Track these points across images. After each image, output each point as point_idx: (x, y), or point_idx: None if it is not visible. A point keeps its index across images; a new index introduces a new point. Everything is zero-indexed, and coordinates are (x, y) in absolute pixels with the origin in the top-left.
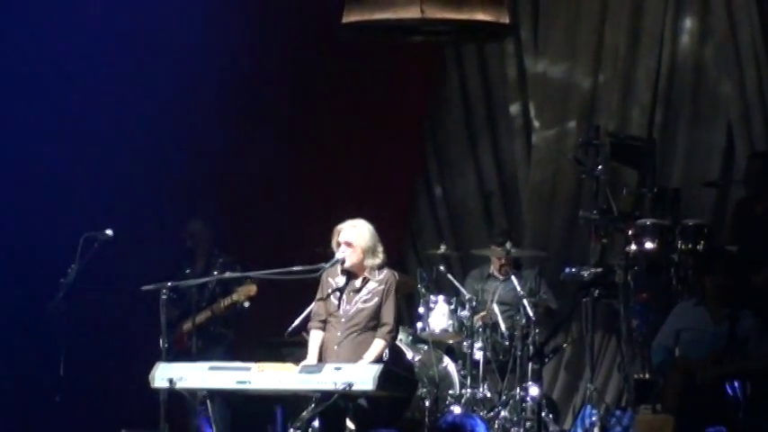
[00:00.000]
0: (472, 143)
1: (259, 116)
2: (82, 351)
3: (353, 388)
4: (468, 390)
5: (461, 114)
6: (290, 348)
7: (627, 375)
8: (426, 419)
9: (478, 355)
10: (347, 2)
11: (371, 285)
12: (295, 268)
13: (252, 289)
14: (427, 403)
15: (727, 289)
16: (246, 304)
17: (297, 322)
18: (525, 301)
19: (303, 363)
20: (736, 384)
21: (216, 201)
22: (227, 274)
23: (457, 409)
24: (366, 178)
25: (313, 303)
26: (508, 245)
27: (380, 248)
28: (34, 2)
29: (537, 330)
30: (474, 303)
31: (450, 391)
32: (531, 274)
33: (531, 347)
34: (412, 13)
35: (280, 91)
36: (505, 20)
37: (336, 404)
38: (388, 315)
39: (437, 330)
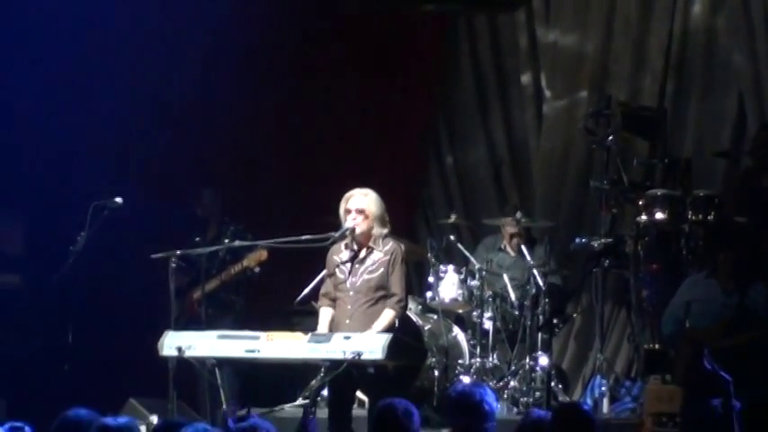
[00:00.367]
0: (483, 113)
1: (269, 83)
2: (90, 320)
3: (362, 357)
4: (478, 359)
5: (473, 84)
6: (299, 317)
7: (637, 346)
8: (435, 389)
9: (488, 324)
10: None
11: (376, 255)
12: (304, 237)
13: (262, 254)
14: (436, 373)
15: (739, 263)
16: (257, 270)
17: (306, 291)
18: (536, 272)
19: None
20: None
21: (226, 169)
22: (237, 243)
23: (466, 379)
24: (376, 147)
25: (321, 275)
26: (518, 214)
27: (387, 218)
28: None
29: (547, 300)
30: (484, 273)
31: (460, 361)
32: (542, 248)
33: (540, 317)
34: None
35: (290, 60)
36: None
37: (346, 373)
38: (396, 285)
39: (447, 300)
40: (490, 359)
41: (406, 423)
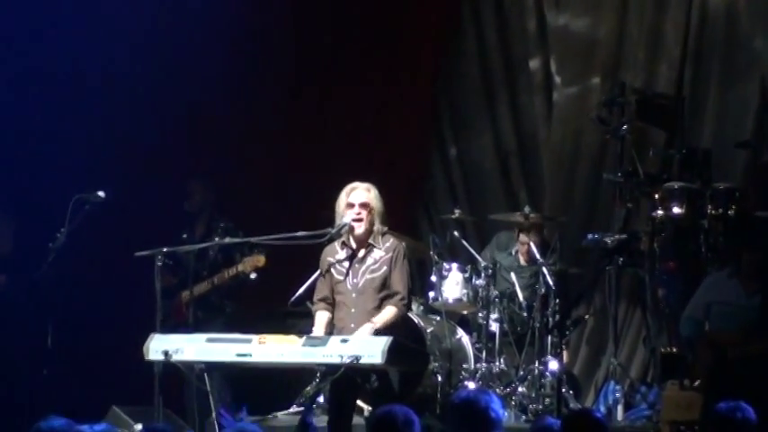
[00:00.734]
0: (489, 101)
1: (262, 69)
2: (71, 321)
3: (361, 361)
4: (484, 364)
5: (478, 70)
6: (294, 319)
7: (653, 349)
8: (439, 395)
9: (495, 326)
10: None
11: (377, 254)
12: (299, 233)
13: (260, 260)
14: (440, 378)
15: (764, 264)
16: (253, 276)
17: (301, 291)
18: (545, 269)
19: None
20: None
21: (216, 160)
22: (228, 240)
23: (471, 385)
24: (375, 137)
25: (315, 275)
26: (527, 208)
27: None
28: None
29: (557, 301)
30: (490, 272)
31: (465, 366)
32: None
33: (550, 319)
34: None
35: (284, 44)
36: None
37: (346, 378)
38: (399, 283)
39: (450, 300)
40: (497, 364)
41: None
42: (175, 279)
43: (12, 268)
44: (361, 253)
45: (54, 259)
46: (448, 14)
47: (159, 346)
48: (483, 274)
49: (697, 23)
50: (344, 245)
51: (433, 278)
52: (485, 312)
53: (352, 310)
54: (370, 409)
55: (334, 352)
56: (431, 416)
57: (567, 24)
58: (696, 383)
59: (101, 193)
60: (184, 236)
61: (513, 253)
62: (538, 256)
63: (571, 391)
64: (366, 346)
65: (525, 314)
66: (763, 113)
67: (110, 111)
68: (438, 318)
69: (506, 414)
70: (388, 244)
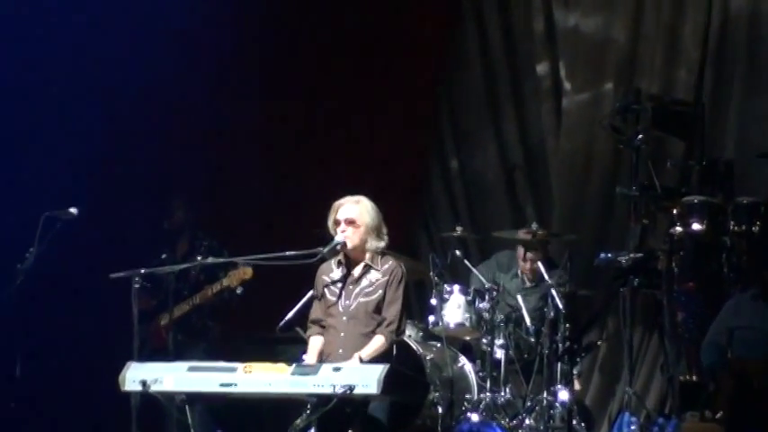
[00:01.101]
0: (493, 108)
1: (246, 77)
2: (42, 348)
3: (355, 392)
4: (488, 394)
5: (481, 75)
6: (282, 345)
7: (671, 378)
8: (439, 428)
9: (500, 353)
10: None
11: (374, 276)
12: (288, 253)
13: (247, 272)
14: (440, 409)
15: None
16: (239, 290)
17: (290, 315)
18: (554, 291)
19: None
20: None
21: (198, 174)
22: (211, 260)
23: (474, 417)
24: (369, 148)
25: (307, 296)
26: (534, 225)
27: (385, 230)
28: None
29: (567, 325)
30: (494, 294)
31: (467, 396)
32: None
33: (560, 345)
34: None
35: (271, 49)
36: None
37: (337, 410)
38: (390, 309)
39: (452, 325)
40: (502, 394)
41: None
42: (154, 302)
43: None
44: (357, 273)
45: (22, 282)
46: (448, 13)
47: (136, 376)
48: (487, 297)
49: (718, 24)
50: (340, 263)
51: (433, 301)
52: (489, 338)
53: (341, 334)
54: None
55: (326, 381)
56: None
57: (578, 25)
58: (718, 415)
59: (73, 210)
60: (164, 256)
61: (519, 274)
62: (546, 276)
63: (583, 424)
64: (360, 374)
65: (533, 340)
66: None
67: (82, 122)
68: (438, 344)
69: None
70: (386, 266)
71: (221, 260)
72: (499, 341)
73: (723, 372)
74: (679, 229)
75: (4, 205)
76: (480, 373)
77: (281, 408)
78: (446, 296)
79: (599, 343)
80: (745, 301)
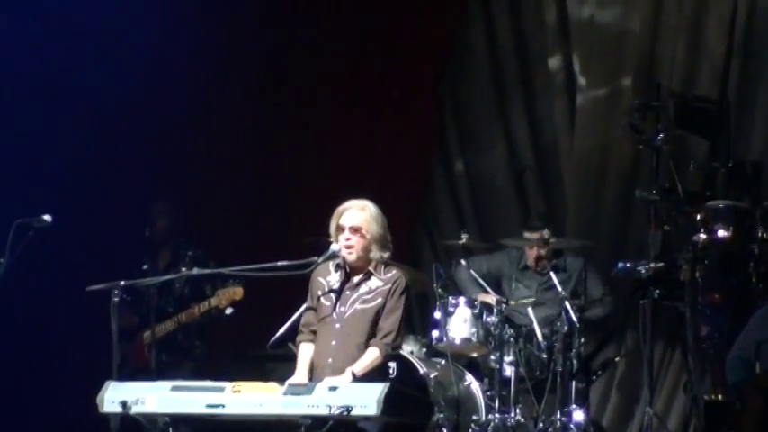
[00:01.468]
0: (501, 106)
1: (236, 77)
2: (13, 366)
3: (353, 413)
4: (497, 415)
5: (488, 71)
6: (273, 363)
7: (695, 396)
8: None
9: (509, 370)
10: None
11: (374, 283)
12: (280, 263)
13: (237, 292)
14: (445, 431)
15: None
16: (229, 311)
17: (282, 331)
18: (567, 304)
19: (290, 381)
20: None
21: (182, 178)
22: (196, 271)
23: None
24: (368, 150)
25: (301, 308)
26: (546, 233)
27: (389, 238)
28: None
29: (582, 340)
30: (503, 306)
31: (474, 417)
32: (577, 266)
33: (574, 362)
34: None
35: (263, 47)
36: None
37: None
38: (390, 320)
39: (457, 340)
40: (512, 414)
41: None
42: (135, 317)
43: None
44: (356, 279)
45: None
46: (453, 6)
47: (116, 396)
48: (495, 310)
49: (745, 15)
50: (339, 267)
51: (437, 315)
52: (498, 354)
53: (333, 343)
54: None
55: (321, 402)
56: None
57: (593, 16)
58: None
59: (47, 217)
60: (145, 267)
61: (528, 264)
62: (560, 288)
63: None
64: (358, 394)
65: (545, 356)
66: None
67: (56, 125)
68: (443, 361)
69: None
70: (389, 275)
71: (207, 271)
72: (509, 358)
73: (750, 389)
74: (703, 236)
75: None
76: (488, 393)
77: (272, 431)
78: (451, 309)
79: (617, 360)
80: None
